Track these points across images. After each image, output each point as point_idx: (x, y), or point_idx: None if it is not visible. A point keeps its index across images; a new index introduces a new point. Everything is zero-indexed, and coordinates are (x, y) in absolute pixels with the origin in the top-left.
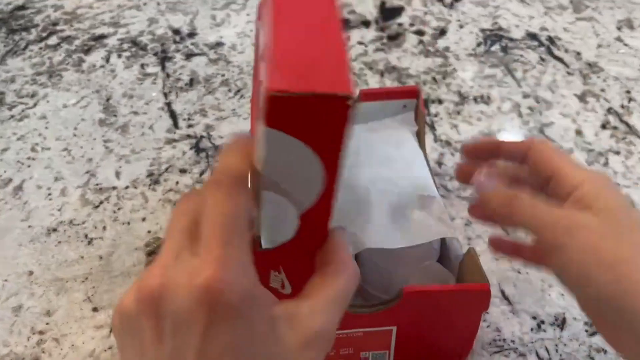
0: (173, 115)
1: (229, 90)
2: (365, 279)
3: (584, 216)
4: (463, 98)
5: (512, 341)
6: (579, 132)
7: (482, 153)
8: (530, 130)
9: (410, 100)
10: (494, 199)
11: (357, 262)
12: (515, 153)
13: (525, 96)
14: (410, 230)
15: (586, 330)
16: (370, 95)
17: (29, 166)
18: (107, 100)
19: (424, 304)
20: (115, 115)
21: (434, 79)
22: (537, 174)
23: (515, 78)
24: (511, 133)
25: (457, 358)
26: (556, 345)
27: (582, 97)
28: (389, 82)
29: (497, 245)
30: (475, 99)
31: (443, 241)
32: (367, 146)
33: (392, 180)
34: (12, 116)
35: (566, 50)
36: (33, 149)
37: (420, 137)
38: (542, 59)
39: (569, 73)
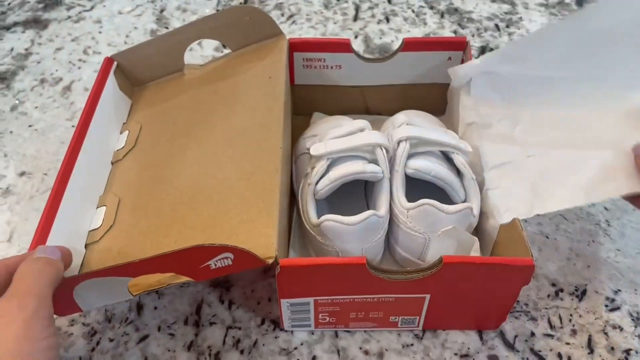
0: None
1: (282, 15)
2: (398, 240)
3: None
4: None
5: (526, 304)
6: None
7: None
8: None
9: (456, 52)
10: None
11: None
12: None
13: None
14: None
15: (606, 305)
16: (413, 45)
17: (79, 68)
18: (161, 11)
19: (462, 274)
20: (167, 27)
21: (496, 26)
22: None
23: None
24: None
25: (489, 327)
26: (571, 314)
27: None
28: (448, 25)
29: None
30: None
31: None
32: None
33: None
34: (69, 17)
35: None
36: (85, 52)
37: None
38: None
39: None
